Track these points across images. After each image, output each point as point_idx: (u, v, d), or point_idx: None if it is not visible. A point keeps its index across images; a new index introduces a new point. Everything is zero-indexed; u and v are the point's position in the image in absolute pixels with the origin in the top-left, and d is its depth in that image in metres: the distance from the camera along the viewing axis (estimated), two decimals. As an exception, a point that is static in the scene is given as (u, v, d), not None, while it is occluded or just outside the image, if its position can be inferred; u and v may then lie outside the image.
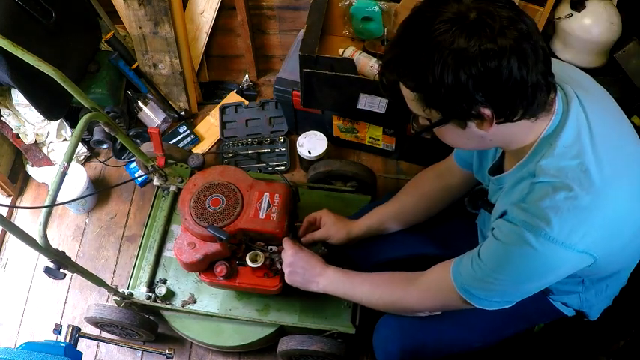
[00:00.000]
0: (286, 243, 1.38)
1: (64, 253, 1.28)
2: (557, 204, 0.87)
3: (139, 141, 2.17)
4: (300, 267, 1.33)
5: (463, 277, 1.04)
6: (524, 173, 0.96)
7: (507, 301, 1.03)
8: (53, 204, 1.19)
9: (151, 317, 1.68)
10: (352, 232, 1.45)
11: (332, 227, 1.46)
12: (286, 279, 1.36)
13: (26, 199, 2.18)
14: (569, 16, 1.77)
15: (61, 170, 1.22)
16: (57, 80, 1.27)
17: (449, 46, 0.80)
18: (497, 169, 1.10)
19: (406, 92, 0.91)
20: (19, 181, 2.18)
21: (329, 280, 1.31)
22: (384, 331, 1.32)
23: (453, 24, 0.81)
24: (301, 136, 2.03)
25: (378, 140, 2.04)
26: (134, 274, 1.67)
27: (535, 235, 0.89)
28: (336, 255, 1.48)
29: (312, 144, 2.01)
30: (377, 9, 1.74)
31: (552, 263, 0.92)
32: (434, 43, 0.81)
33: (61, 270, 1.25)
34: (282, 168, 2.15)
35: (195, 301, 1.62)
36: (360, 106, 1.75)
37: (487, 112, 0.85)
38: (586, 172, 0.88)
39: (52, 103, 1.89)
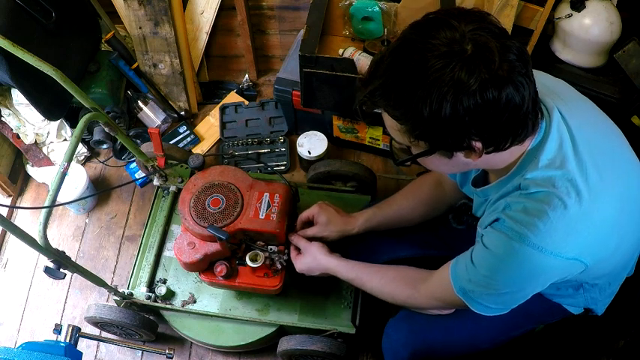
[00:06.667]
0: (293, 238, 1.42)
1: (64, 253, 1.28)
2: (545, 213, 0.88)
3: (139, 141, 2.17)
4: (310, 254, 1.36)
5: (460, 279, 1.04)
6: (510, 187, 0.96)
7: (502, 308, 1.03)
8: (53, 204, 1.19)
9: (151, 317, 1.68)
10: (346, 231, 1.42)
11: (325, 229, 1.42)
12: (296, 266, 1.39)
13: (26, 199, 2.18)
14: (569, 16, 1.77)
15: (61, 170, 1.22)
16: (57, 80, 1.27)
17: (448, 81, 0.79)
18: (482, 180, 1.11)
19: (390, 122, 0.90)
20: (19, 181, 2.18)
21: (337, 265, 1.32)
22: (395, 334, 1.31)
23: (450, 59, 0.79)
24: (301, 136, 2.03)
25: (378, 140, 2.03)
26: (134, 274, 1.67)
27: (523, 244, 0.89)
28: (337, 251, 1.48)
29: (312, 144, 2.01)
30: (377, 9, 1.74)
31: (542, 271, 0.93)
32: (432, 79, 0.79)
33: (61, 270, 1.25)
34: (282, 168, 2.15)
35: (195, 301, 1.62)
36: (360, 106, 1.75)
37: (478, 144, 0.86)
38: (572, 181, 0.89)
39: (52, 103, 1.89)
